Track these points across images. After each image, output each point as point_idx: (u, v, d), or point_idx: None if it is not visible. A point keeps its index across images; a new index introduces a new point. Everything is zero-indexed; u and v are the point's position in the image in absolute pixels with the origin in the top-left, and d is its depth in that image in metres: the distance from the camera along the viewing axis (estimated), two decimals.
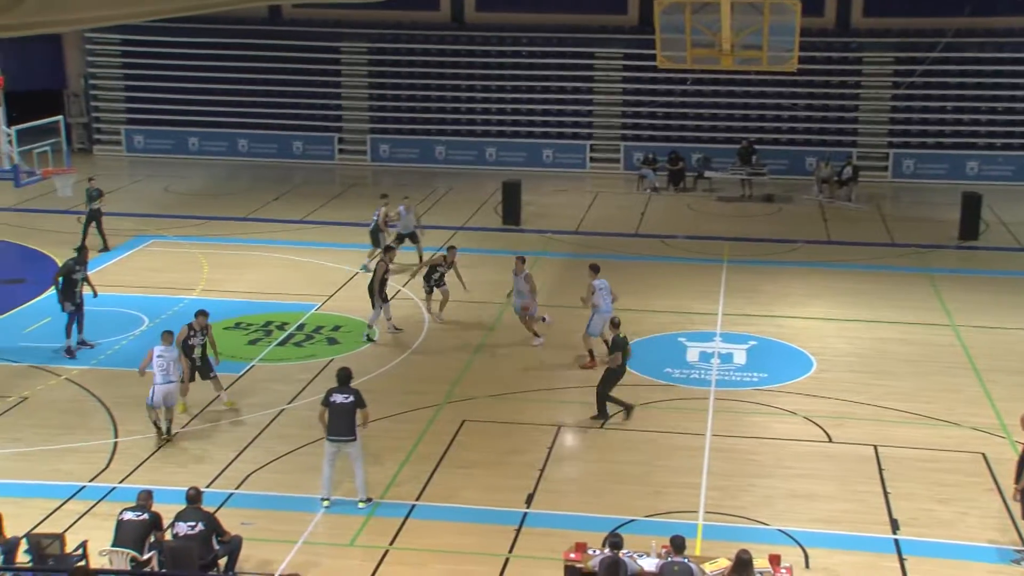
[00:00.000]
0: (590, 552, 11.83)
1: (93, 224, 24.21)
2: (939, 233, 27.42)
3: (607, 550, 11.50)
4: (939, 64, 32.79)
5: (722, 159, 33.18)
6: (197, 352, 16.49)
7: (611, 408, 16.63)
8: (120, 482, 14.37)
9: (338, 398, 13.89)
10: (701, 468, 15.12)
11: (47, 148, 21.04)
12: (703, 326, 20.68)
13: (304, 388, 17.48)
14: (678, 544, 11.28)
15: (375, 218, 23.85)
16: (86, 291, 19.05)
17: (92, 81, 36.64)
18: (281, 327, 20.24)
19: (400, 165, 35.08)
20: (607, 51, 35.14)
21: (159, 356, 15.50)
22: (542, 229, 27.60)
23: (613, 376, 16.61)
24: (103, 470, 14.71)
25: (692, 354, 19.30)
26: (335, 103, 36.02)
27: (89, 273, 19.31)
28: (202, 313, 16.68)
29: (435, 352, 19.25)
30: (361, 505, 13.94)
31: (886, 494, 14.39)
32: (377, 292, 19.60)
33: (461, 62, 35.55)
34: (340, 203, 30.38)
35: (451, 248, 21.23)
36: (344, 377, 14.14)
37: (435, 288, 20.78)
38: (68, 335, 18.60)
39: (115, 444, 15.50)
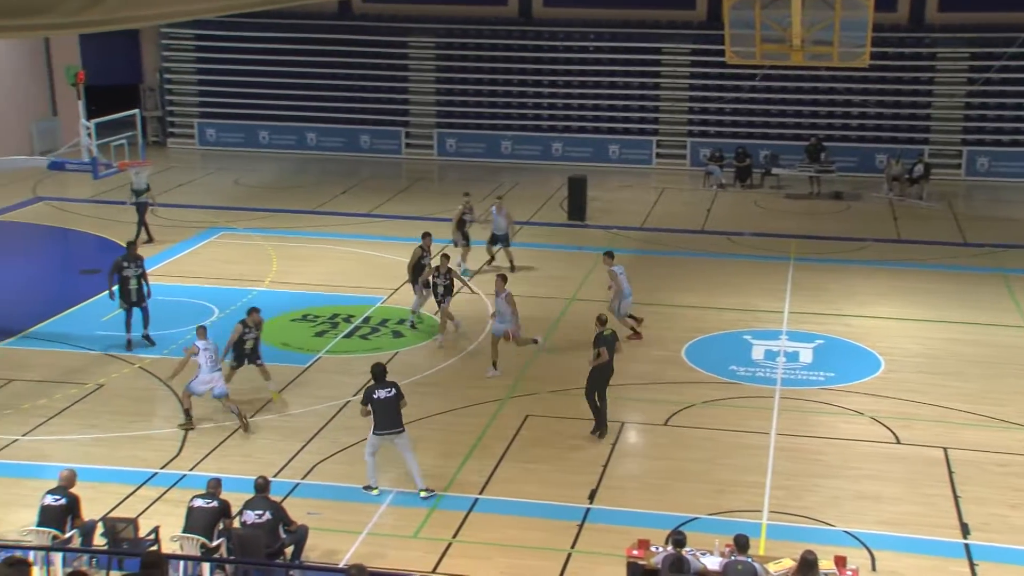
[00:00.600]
0: (653, 549, 11.78)
1: (144, 215, 24.42)
2: (1014, 232, 26.84)
3: (670, 548, 11.45)
4: (1016, 60, 32.05)
5: (790, 156, 32.78)
6: (249, 345, 16.70)
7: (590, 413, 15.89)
8: (190, 469, 14.62)
9: (381, 394, 13.98)
10: (765, 467, 14.98)
11: (123, 141, 21.50)
12: (769, 324, 20.47)
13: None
14: (742, 543, 11.19)
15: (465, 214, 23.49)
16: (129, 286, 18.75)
17: (167, 76, 37.24)
18: (347, 320, 20.41)
19: (466, 160, 35.18)
20: (675, 46, 34.87)
21: (204, 350, 15.67)
22: (607, 225, 27.51)
23: (600, 376, 15.75)
24: (174, 457, 14.97)
25: (757, 352, 19.12)
26: (402, 97, 36.23)
27: (148, 271, 19.23)
28: (255, 310, 16.89)
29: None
30: (424, 495, 14.01)
31: (956, 498, 14.13)
32: (413, 279, 19.95)
33: (528, 57, 35.53)
34: (407, 197, 30.55)
35: (445, 256, 20.11)
36: (382, 372, 14.25)
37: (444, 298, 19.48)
38: (128, 329, 18.64)
39: (186, 432, 15.76)
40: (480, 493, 14.19)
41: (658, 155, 34.79)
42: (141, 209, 24.54)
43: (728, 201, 30.52)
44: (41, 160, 21.95)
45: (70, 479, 12.39)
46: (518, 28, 35.89)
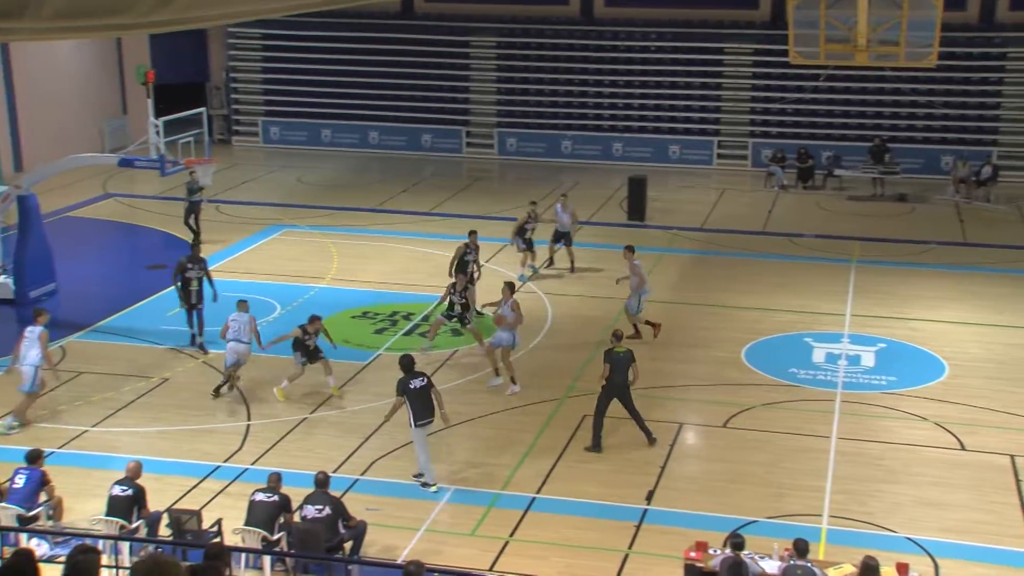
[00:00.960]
0: (711, 552, 11.71)
1: (194, 215, 24.53)
2: None
3: (728, 550, 11.36)
4: None
5: (853, 157, 32.34)
6: (311, 345, 16.94)
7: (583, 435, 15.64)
8: (252, 464, 14.81)
9: (416, 383, 14.12)
10: (826, 471, 14.81)
11: (190, 139, 21.79)
12: (830, 327, 20.22)
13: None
14: (801, 548, 11.07)
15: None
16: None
17: (233, 75, 37.74)
18: (407, 317, 20.53)
19: (527, 159, 35.21)
20: (737, 46, 34.59)
21: (233, 320, 16.52)
22: (667, 225, 27.37)
23: (610, 392, 15.33)
24: (236, 451, 15.18)
25: (818, 355, 18.90)
26: (463, 97, 36.34)
27: (211, 268, 19.43)
28: (316, 318, 17.10)
29: (557, 346, 19.27)
30: (433, 489, 14.11)
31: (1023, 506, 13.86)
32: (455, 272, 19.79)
33: (589, 56, 35.45)
34: (467, 196, 30.65)
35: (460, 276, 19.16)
36: (411, 363, 14.33)
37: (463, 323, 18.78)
38: (191, 326, 18.88)
39: (248, 427, 15.97)
40: (537, 492, 14.20)
41: (719, 156, 34.53)
42: (195, 209, 24.70)
43: (789, 202, 30.20)
44: (112, 157, 22.32)
45: (136, 470, 12.62)
46: (579, 28, 35.82)
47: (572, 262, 23.26)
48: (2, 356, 18.38)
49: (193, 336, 18.84)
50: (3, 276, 21.34)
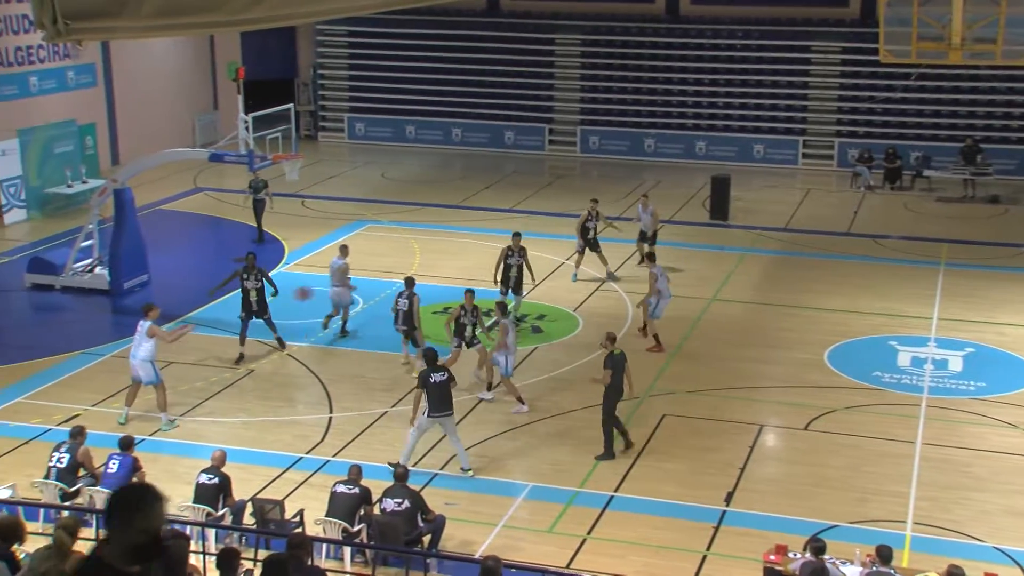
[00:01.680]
0: (790, 555, 11.55)
1: (261, 214, 24.67)
2: None
3: (809, 555, 11.21)
4: None
5: (943, 157, 31.60)
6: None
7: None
8: (333, 456, 15.00)
9: (436, 377, 14.28)
10: (910, 477, 14.51)
11: (278, 134, 22.10)
12: (916, 330, 19.81)
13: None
14: (885, 554, 10.87)
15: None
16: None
17: (320, 71, 38.25)
18: (487, 314, 20.57)
19: (609, 157, 35.08)
20: (825, 44, 34.00)
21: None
22: (750, 225, 27.05)
23: (614, 396, 15.00)
24: (318, 444, 15.39)
25: (904, 358, 18.52)
26: (547, 94, 36.33)
27: (295, 262, 19.58)
28: (470, 292, 17.48)
29: (638, 345, 19.17)
30: (470, 474, 14.31)
31: None
32: (499, 278, 19.59)
33: (674, 55, 35.17)
34: (549, 193, 30.65)
35: (468, 292, 17.83)
36: (434, 357, 14.51)
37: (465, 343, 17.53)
38: (241, 342, 18.16)
39: (330, 419, 16.18)
40: (615, 491, 14.15)
41: (804, 155, 34.00)
42: (258, 207, 24.81)
43: (876, 203, 29.64)
44: (202, 152, 22.78)
45: (221, 459, 12.88)
46: (665, 25, 35.57)
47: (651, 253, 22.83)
48: (98, 345, 18.89)
49: (241, 355, 18.13)
50: (99, 267, 21.92)
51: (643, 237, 23.00)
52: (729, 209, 27.64)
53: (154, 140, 31.81)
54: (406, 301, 17.74)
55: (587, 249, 22.38)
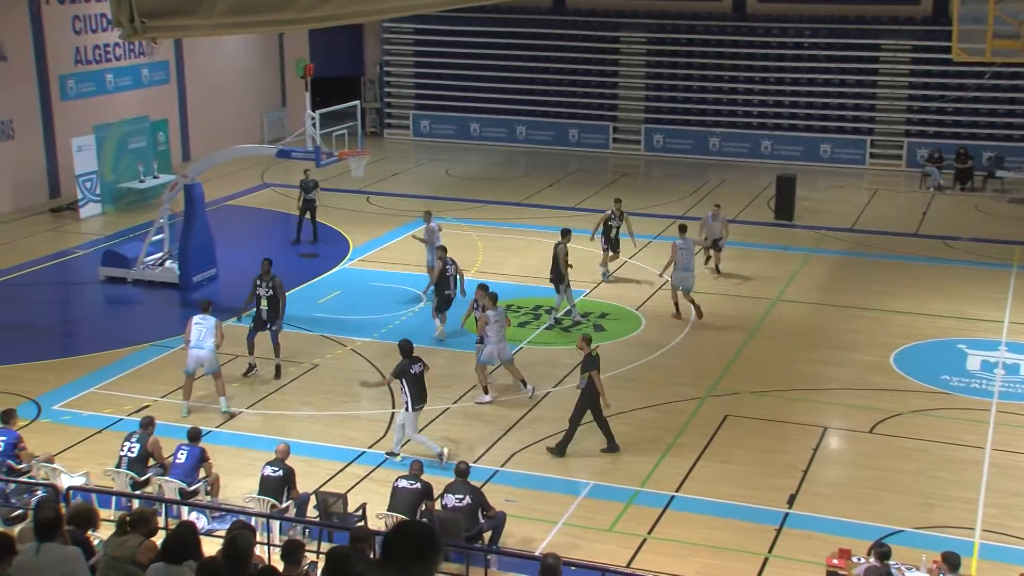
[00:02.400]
0: (854, 560, 11.39)
1: (307, 215, 24.66)
2: None
3: (873, 559, 11.03)
4: None
5: (1016, 158, 30.92)
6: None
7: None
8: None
9: (416, 368, 14.47)
10: (979, 483, 14.22)
11: (344, 131, 22.27)
12: (987, 334, 19.40)
13: (569, 373, 17.72)
14: (952, 561, 10.65)
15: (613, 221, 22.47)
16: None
17: (386, 69, 38.48)
18: (549, 312, 20.58)
19: (673, 156, 34.84)
20: (895, 43, 33.42)
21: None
22: (815, 225, 26.70)
23: (593, 397, 14.76)
24: (381, 438, 15.48)
25: (973, 362, 18.15)
26: (612, 92, 36.18)
27: (362, 257, 19.55)
28: (481, 287, 17.38)
29: (700, 345, 19.04)
30: (397, 458, 14.47)
31: None
32: (562, 276, 19.45)
33: (740, 53, 34.83)
34: (612, 191, 30.43)
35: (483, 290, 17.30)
36: (410, 348, 14.65)
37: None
38: (250, 351, 17.44)
39: (392, 415, 16.26)
40: (676, 491, 14.06)
41: (872, 155, 33.47)
42: (309, 208, 24.75)
43: (946, 204, 29.09)
44: (270, 148, 23.04)
45: (286, 452, 13.02)
46: (731, 23, 35.22)
47: (717, 265, 22.70)
48: (168, 337, 19.21)
49: (251, 365, 17.53)
50: (169, 261, 22.28)
51: (713, 245, 22.41)
52: (794, 209, 27.31)
53: (224, 136, 32.29)
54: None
55: (603, 247, 22.18)
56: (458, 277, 19.11)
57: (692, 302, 19.92)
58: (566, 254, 19.77)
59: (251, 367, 17.53)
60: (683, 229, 20.37)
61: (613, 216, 22.19)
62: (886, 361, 18.26)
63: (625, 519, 13.42)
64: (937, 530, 13.07)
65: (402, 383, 14.45)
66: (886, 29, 33.61)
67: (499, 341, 16.54)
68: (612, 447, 14.98)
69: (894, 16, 33.80)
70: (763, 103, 34.64)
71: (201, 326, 16.09)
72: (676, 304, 20.00)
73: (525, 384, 16.76)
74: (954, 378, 17.53)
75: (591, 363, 14.78)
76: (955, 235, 25.73)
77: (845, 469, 14.95)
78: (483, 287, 17.23)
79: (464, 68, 37.17)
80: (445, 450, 14.60)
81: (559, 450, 14.91)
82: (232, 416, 16.05)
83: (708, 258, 22.86)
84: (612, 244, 22.24)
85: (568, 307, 19.98)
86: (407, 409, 14.49)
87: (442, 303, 18.94)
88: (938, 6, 32.79)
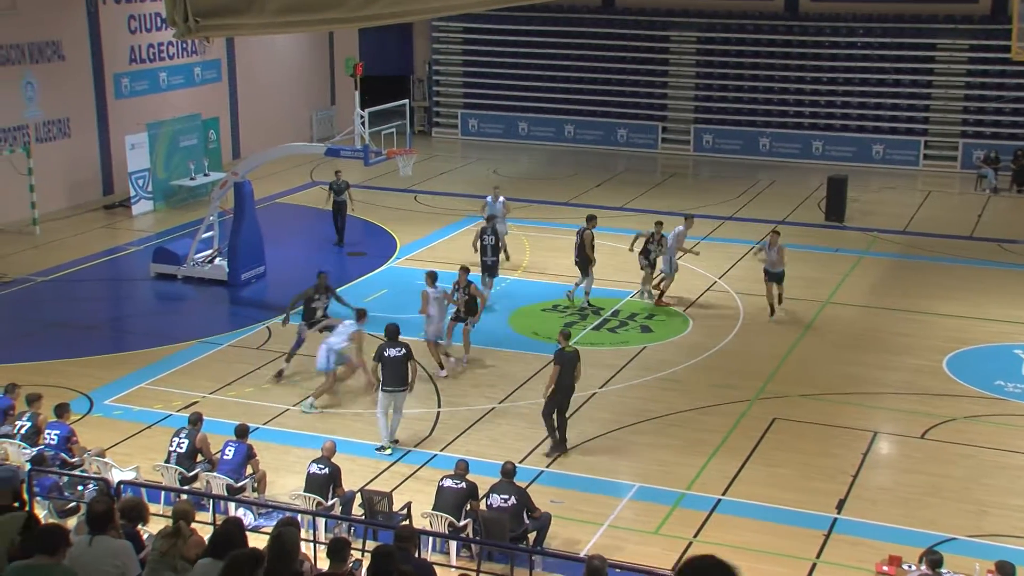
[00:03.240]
0: (905, 567, 11.24)
1: (343, 217, 24.58)
2: None
3: (924, 567, 10.88)
4: None
5: None
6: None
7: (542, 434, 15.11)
8: (441, 450, 15.12)
9: (391, 352, 14.74)
10: None
11: (392, 130, 22.36)
12: None
13: (616, 374, 17.68)
14: (1007, 570, 10.46)
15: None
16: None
17: (435, 68, 38.60)
18: (596, 312, 20.53)
19: (723, 156, 34.61)
20: (951, 42, 32.92)
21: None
22: (867, 227, 26.39)
23: (559, 394, 14.71)
24: (426, 438, 15.53)
25: None
26: (661, 92, 36.02)
27: (409, 256, 19.74)
28: (463, 270, 18.18)
29: (749, 347, 18.90)
30: (388, 452, 14.74)
31: None
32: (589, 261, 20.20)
33: (792, 52, 34.51)
34: (660, 192, 30.39)
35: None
36: (394, 332, 14.91)
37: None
38: (288, 358, 17.52)
39: (437, 414, 16.31)
40: (723, 494, 13.96)
41: (926, 156, 33.01)
42: (340, 210, 24.70)
43: (1002, 206, 28.63)
44: (319, 147, 23.19)
45: (331, 450, 13.09)
46: (783, 22, 34.90)
47: (780, 297, 20.22)
48: (217, 334, 19.39)
49: (281, 372, 17.46)
50: (219, 258, 22.51)
51: (769, 276, 20.15)
52: (846, 210, 27.03)
53: (273, 134, 32.59)
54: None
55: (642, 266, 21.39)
56: (497, 246, 20.56)
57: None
58: (592, 239, 20.20)
59: (281, 373, 17.41)
60: (689, 219, 21.64)
61: (651, 240, 21.13)
62: (938, 365, 18.01)
63: (671, 522, 13.35)
64: (990, 538, 12.86)
65: (380, 365, 14.79)
66: (942, 28, 33.13)
67: (440, 320, 17.46)
68: (559, 447, 14.86)
69: (950, 15, 33.31)
70: (814, 103, 34.30)
71: (341, 330, 16.31)
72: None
73: (442, 367, 17.46)
74: (1009, 383, 17.25)
75: (560, 357, 14.67)
76: (1012, 238, 25.30)
77: (895, 474, 14.76)
78: (464, 269, 18.17)
79: (513, 67, 37.18)
80: (388, 449, 14.86)
81: (560, 446, 14.87)
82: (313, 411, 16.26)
83: (772, 311, 20.50)
84: (652, 263, 21.41)
85: (584, 292, 20.40)
86: (379, 388, 14.86)
87: (484, 269, 20.21)
88: (997, 5, 32.28)
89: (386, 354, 14.81)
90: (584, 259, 20.18)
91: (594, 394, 16.97)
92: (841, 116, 33.97)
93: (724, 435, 15.57)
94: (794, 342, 19.04)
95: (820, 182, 29.00)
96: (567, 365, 14.75)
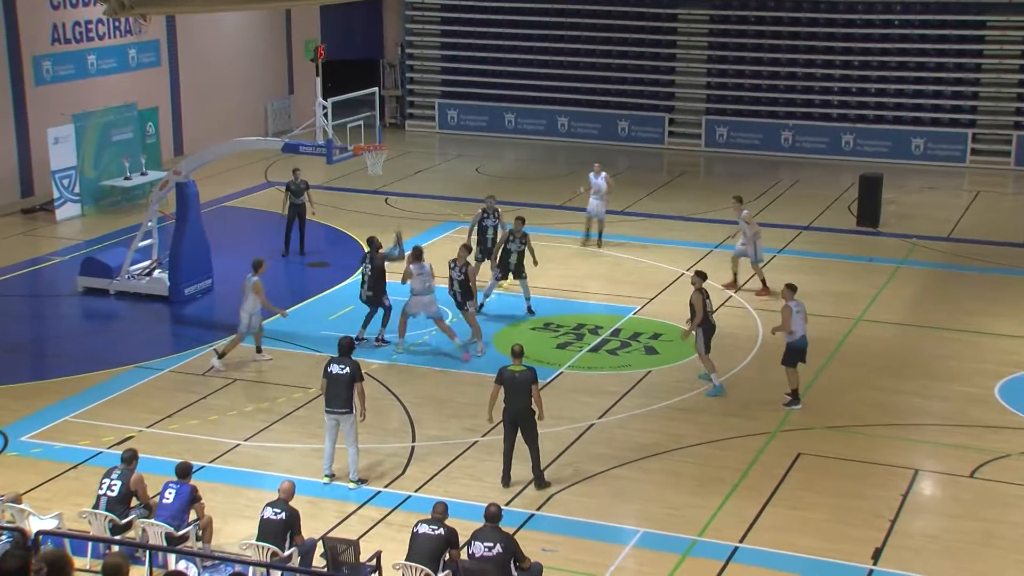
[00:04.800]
0: None
1: (302, 221, 24.62)
2: None
3: None
4: None
5: None
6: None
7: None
8: (416, 491, 15.07)
9: (335, 368, 15.06)
10: None
11: (360, 122, 22.30)
12: None
13: (616, 402, 17.68)
14: None
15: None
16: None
17: (409, 51, 38.67)
18: (594, 331, 20.53)
19: (738, 152, 34.75)
20: (1003, 18, 33.14)
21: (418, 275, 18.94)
22: (905, 233, 26.51)
23: (507, 418, 14.99)
24: (399, 476, 15.49)
25: None
26: (668, 79, 36.17)
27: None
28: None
29: (769, 371, 18.90)
30: (351, 487, 14.97)
31: None
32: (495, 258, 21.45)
33: (818, 33, 34.71)
34: (667, 193, 30.46)
35: None
36: (345, 347, 15.30)
37: None
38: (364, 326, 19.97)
39: (412, 448, 16.27)
40: (740, 541, 13.97)
41: (974, 151, 33.24)
42: (298, 213, 24.68)
43: None
44: (276, 142, 23.08)
45: (289, 491, 13.03)
46: (807, 0, 35.09)
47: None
48: (156, 358, 19.34)
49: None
50: (158, 271, 22.44)
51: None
52: (880, 214, 27.16)
53: (222, 127, 32.57)
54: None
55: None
56: (498, 226, 22.04)
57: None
58: (481, 219, 22.17)
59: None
60: (739, 200, 22.82)
61: (512, 239, 21.48)
62: (990, 393, 18.06)
63: (681, 572, 13.34)
64: None
65: (325, 382, 15.11)
66: (993, 2, 33.32)
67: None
68: (539, 482, 15.13)
69: None
70: (844, 91, 34.48)
71: (424, 275, 18.84)
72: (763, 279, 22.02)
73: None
74: None
75: (501, 376, 15.00)
76: None
77: (941, 520, 14.78)
78: (465, 247, 20.01)
79: (498, 50, 37.30)
80: (327, 479, 15.18)
81: (539, 481, 15.10)
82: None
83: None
84: (503, 267, 21.64)
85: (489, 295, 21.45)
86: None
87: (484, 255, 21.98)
88: None
89: (330, 370, 15.13)
90: (504, 263, 21.35)
91: (592, 425, 16.95)
92: (875, 106, 34.15)
93: (741, 473, 15.57)
94: (821, 366, 19.07)
95: (851, 181, 29.11)
96: (512, 386, 14.89)
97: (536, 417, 15.07)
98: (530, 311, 21.21)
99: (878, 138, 33.92)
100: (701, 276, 18.19)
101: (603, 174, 25.17)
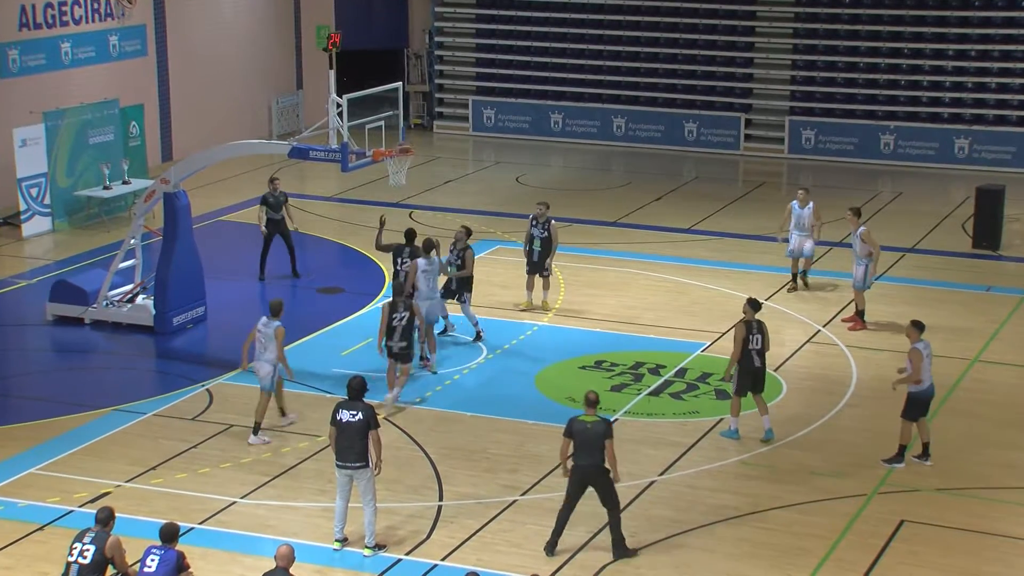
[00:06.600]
0: None
1: (283, 237, 24.72)
2: None
3: None
4: None
5: None
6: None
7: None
8: (443, 559, 15.03)
9: (344, 415, 14.99)
10: None
11: (380, 123, 22.31)
12: None
13: (682, 455, 17.60)
14: None
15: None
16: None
17: (438, 40, 38.80)
18: (655, 371, 20.45)
19: (829, 159, 34.64)
20: None
21: (423, 272, 19.71)
22: None
23: (575, 482, 15.03)
24: (423, 541, 15.44)
25: None
26: (744, 73, 36.14)
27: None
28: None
29: (864, 421, 18.78)
30: (367, 553, 14.92)
31: None
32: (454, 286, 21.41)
33: (927, 18, 34.61)
34: (744, 208, 30.37)
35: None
36: (356, 389, 15.20)
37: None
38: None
39: (439, 508, 16.23)
40: None
41: None
42: (278, 230, 24.74)
43: None
44: (282, 146, 23.10)
45: (288, 557, 12.99)
46: None
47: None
48: (138, 400, 19.44)
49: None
50: (142, 296, 22.53)
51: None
52: (1002, 233, 26.99)
53: (218, 129, 32.79)
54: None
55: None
56: (548, 239, 22.59)
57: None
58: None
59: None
60: (857, 212, 22.57)
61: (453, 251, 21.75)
62: None
63: None
64: None
65: (335, 430, 15.11)
66: None
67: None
68: (549, 548, 15.13)
69: None
70: (958, 86, 34.31)
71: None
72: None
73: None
74: None
75: (571, 427, 14.85)
76: None
77: None
78: (466, 229, 21.34)
79: (544, 39, 37.39)
80: (337, 544, 15.15)
81: (621, 550, 15.02)
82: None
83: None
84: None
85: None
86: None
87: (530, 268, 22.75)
88: None
89: (339, 417, 15.03)
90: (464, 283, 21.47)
91: (652, 483, 16.88)
92: (995, 104, 33.98)
93: (832, 543, 15.46)
94: (930, 415, 18.88)
95: (966, 195, 29.00)
96: (584, 440, 14.73)
97: (610, 476, 14.96)
98: (479, 336, 21.48)
99: (999, 143, 33.71)
100: (753, 305, 18.17)
101: (810, 204, 23.69)
